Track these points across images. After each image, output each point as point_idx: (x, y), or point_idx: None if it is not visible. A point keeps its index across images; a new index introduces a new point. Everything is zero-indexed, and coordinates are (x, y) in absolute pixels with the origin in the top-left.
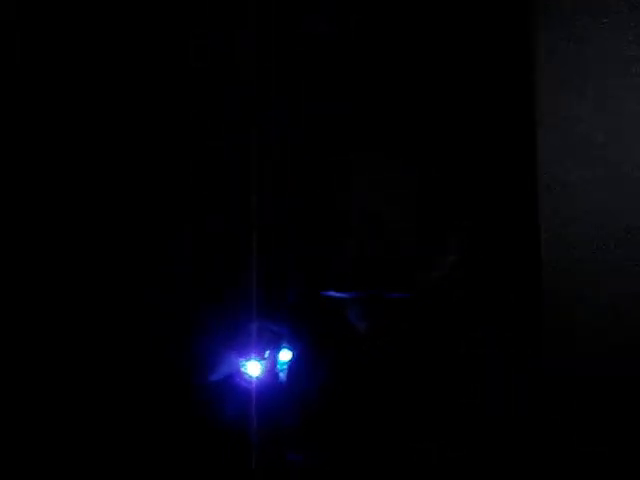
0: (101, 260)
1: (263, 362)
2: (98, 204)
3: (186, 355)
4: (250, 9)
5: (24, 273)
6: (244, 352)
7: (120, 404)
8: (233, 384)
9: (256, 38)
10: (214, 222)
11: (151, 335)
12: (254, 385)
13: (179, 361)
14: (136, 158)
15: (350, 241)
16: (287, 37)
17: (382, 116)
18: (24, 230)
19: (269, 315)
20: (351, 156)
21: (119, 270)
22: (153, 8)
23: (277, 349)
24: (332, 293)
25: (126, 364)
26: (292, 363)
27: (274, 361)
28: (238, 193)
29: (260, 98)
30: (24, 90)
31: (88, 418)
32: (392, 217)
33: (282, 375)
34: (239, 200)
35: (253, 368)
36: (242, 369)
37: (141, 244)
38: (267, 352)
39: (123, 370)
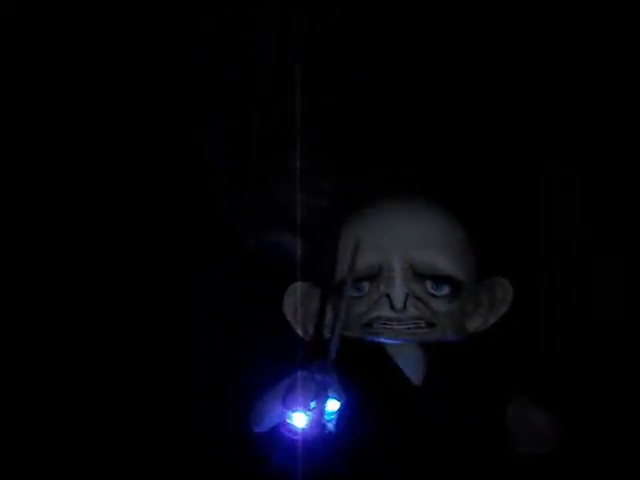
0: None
1: (309, 413)
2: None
3: (230, 405)
4: None
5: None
6: (289, 403)
7: (165, 454)
8: (279, 436)
9: None
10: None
11: (195, 384)
12: (300, 437)
13: (223, 411)
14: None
15: None
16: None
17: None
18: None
19: (314, 364)
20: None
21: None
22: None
23: (324, 399)
24: (382, 339)
25: (169, 414)
26: (340, 413)
27: (321, 412)
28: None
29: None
30: (24, 89)
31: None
32: None
33: (330, 426)
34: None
35: (299, 420)
36: (288, 421)
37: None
38: (313, 403)
39: (165, 421)
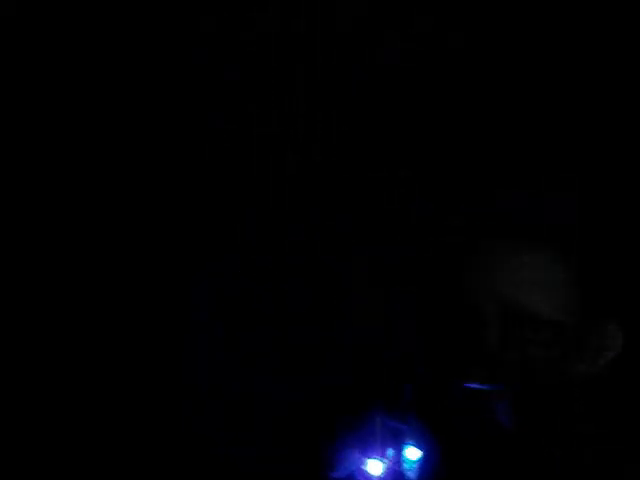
0: None
1: (385, 461)
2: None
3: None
4: None
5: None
6: (365, 450)
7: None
8: None
9: None
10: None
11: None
12: None
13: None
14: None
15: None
16: None
17: None
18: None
19: (392, 410)
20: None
21: None
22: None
23: (400, 447)
24: (475, 385)
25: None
26: (422, 462)
27: (398, 460)
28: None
29: None
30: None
31: None
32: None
33: (411, 476)
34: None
35: (374, 467)
36: (364, 467)
37: None
38: (390, 450)
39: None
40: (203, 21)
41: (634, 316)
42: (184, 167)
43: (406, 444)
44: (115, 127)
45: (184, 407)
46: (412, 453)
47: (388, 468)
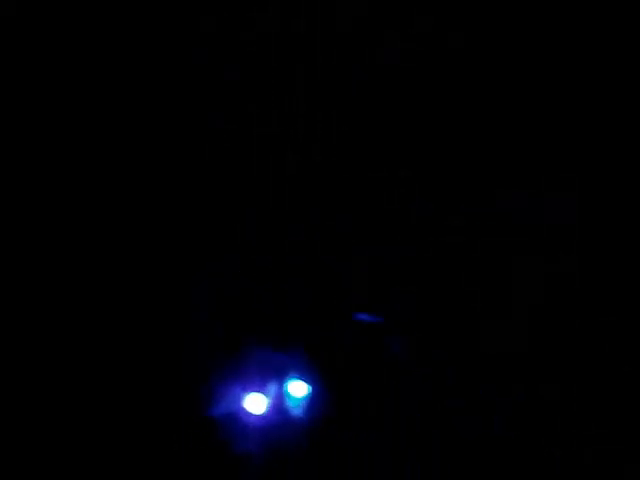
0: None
1: (268, 397)
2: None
3: (182, 385)
4: None
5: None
6: (245, 385)
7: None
8: (235, 420)
9: None
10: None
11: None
12: (259, 423)
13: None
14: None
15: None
16: None
17: None
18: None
19: (275, 342)
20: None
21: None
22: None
23: (285, 382)
24: (364, 317)
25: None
26: (310, 397)
27: (283, 396)
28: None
29: None
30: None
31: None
32: None
33: (297, 412)
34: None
35: (255, 404)
36: (244, 405)
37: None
38: (273, 386)
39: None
40: (203, 21)
41: (633, 315)
42: (184, 167)
43: (291, 378)
44: (115, 127)
45: (183, 405)
46: (298, 388)
47: (271, 405)
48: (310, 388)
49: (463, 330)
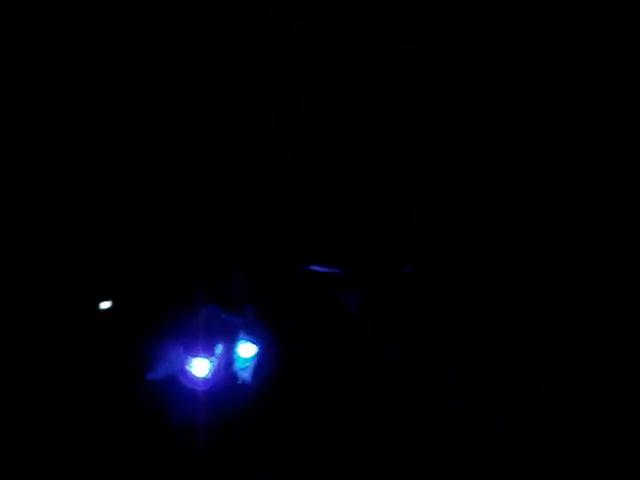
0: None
1: (213, 359)
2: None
3: (122, 346)
4: None
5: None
6: (189, 346)
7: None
8: (176, 386)
9: None
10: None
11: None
12: (202, 388)
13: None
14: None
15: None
16: None
17: None
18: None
19: (222, 299)
20: None
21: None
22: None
23: (232, 343)
24: (318, 267)
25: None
26: (258, 359)
27: (229, 358)
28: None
29: None
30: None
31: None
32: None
33: (244, 376)
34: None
35: (199, 367)
36: (187, 368)
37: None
38: (219, 347)
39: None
40: (203, 21)
41: (633, 315)
42: (184, 167)
43: (239, 340)
44: (115, 127)
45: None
46: (246, 350)
47: (216, 368)
48: (258, 348)
49: (463, 330)
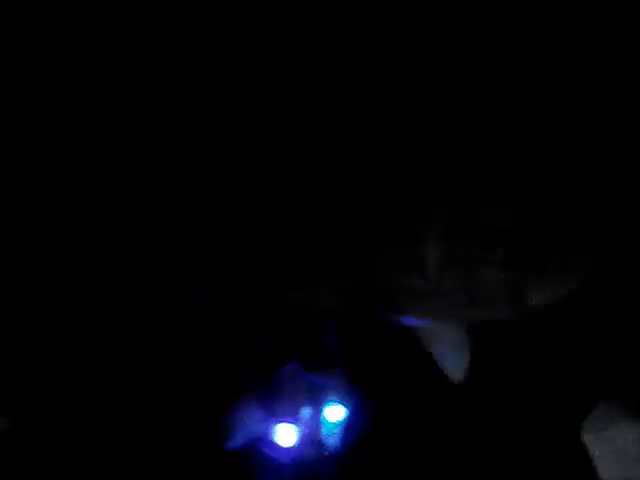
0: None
1: (300, 425)
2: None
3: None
4: None
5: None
6: (273, 411)
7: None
8: (258, 456)
9: None
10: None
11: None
12: (288, 458)
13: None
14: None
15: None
16: None
17: None
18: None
19: (309, 358)
20: None
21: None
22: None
23: (321, 407)
24: (411, 320)
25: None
26: (347, 423)
27: (317, 423)
28: None
29: None
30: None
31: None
32: None
33: (332, 442)
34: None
35: (285, 434)
36: (270, 435)
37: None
38: (305, 411)
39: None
40: (203, 21)
41: (633, 315)
42: (184, 167)
43: (328, 402)
44: (115, 128)
45: (182, 407)
46: (334, 413)
47: (303, 435)
48: (348, 411)
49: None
